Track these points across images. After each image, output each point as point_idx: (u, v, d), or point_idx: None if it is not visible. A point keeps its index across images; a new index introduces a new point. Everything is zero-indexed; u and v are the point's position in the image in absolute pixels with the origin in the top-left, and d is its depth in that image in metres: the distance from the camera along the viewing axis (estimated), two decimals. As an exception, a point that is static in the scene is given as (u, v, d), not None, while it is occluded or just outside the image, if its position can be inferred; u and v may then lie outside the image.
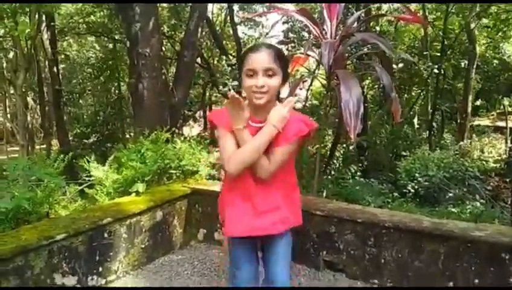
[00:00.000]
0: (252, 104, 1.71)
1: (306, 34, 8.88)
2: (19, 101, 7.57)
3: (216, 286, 2.78)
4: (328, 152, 9.04)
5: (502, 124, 14.21)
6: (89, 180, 3.79)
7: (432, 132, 10.62)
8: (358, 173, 6.12)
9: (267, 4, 12.07)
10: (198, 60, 11.17)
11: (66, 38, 13.46)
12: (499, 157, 9.97)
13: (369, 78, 9.72)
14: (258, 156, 1.69)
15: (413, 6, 10.89)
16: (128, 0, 5.57)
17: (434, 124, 11.12)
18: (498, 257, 2.31)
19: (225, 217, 1.87)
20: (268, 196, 1.77)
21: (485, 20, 11.15)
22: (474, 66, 11.63)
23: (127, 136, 12.00)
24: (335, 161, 8.51)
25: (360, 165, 7.34)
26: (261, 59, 1.63)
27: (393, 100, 3.22)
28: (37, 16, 7.51)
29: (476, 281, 2.37)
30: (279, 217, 1.80)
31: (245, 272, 1.88)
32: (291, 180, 1.90)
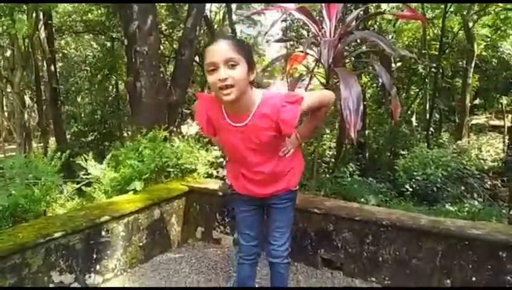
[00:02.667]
0: (224, 103, 1.66)
1: (305, 32, 8.87)
2: (16, 100, 7.55)
3: (215, 286, 2.77)
4: (327, 150, 9.04)
5: (499, 122, 14.25)
6: (86, 179, 3.78)
7: (430, 131, 10.63)
8: (357, 172, 6.12)
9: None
10: (197, 58, 11.15)
11: (64, 36, 13.42)
12: (497, 156, 10.00)
13: (367, 76, 9.73)
14: None
15: (412, 4, 10.89)
16: (127, 1, 5.56)
17: (432, 122, 11.14)
18: (495, 254, 2.31)
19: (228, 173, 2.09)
20: (264, 163, 1.85)
21: (483, 19, 11.16)
22: (473, 65, 11.66)
23: (125, 134, 11.99)
24: (333, 160, 8.52)
25: (358, 163, 7.35)
26: (219, 50, 1.52)
27: (392, 98, 3.22)
28: (34, 14, 7.49)
29: (474, 278, 2.38)
30: (275, 183, 1.92)
31: (246, 237, 2.08)
32: (294, 152, 1.97)
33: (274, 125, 1.68)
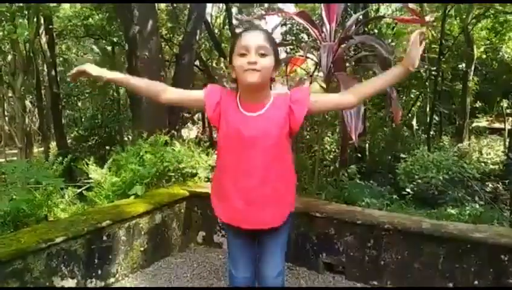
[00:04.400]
0: (244, 87, 1.65)
1: (304, 36, 8.90)
2: (17, 104, 7.57)
3: (215, 287, 2.77)
4: (327, 154, 9.04)
5: (500, 125, 14.26)
6: (87, 183, 3.78)
7: (431, 134, 10.63)
8: (358, 175, 6.12)
9: (266, 5, 12.11)
10: (197, 62, 11.19)
11: (65, 41, 13.47)
12: (498, 159, 9.99)
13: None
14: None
15: (411, 6, 10.92)
16: (127, 1, 5.58)
17: (432, 125, 11.14)
18: (497, 258, 2.31)
19: (214, 196, 1.87)
20: (266, 185, 1.71)
21: (483, 22, 11.19)
22: (473, 68, 11.68)
23: (126, 138, 12.00)
24: (334, 163, 8.52)
25: (359, 167, 7.34)
26: (254, 37, 1.59)
27: (393, 102, 3.23)
28: (35, 18, 7.52)
29: (476, 282, 2.37)
30: (277, 208, 1.77)
31: (241, 269, 1.89)
32: (290, 165, 1.83)
33: (287, 116, 1.68)
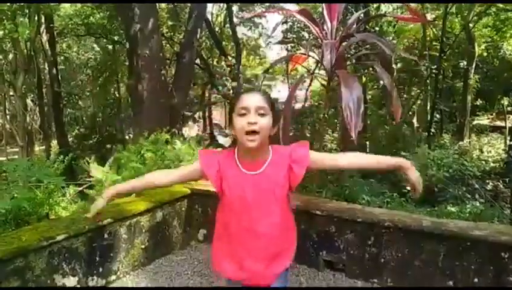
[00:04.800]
0: (243, 148, 1.68)
1: (305, 34, 8.89)
2: (18, 103, 7.58)
3: (216, 287, 2.78)
4: (329, 152, 9.03)
5: (501, 123, 14.23)
6: (88, 181, 3.79)
7: (431, 132, 10.62)
8: (358, 173, 6.11)
9: (267, 4, 12.09)
10: (198, 60, 11.19)
11: (65, 40, 13.47)
12: (498, 157, 9.97)
13: (368, 78, 9.74)
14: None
15: (412, 5, 10.92)
16: (128, 0, 5.58)
17: (433, 123, 11.12)
18: (497, 255, 2.32)
19: (217, 255, 1.87)
20: (272, 244, 1.75)
21: (484, 20, 11.17)
22: (473, 66, 11.66)
23: (127, 137, 12.01)
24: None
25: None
26: (253, 98, 1.64)
27: (393, 100, 3.23)
28: (36, 17, 7.52)
29: (476, 280, 2.38)
30: (280, 261, 1.79)
31: None
32: (291, 216, 1.87)
33: (287, 174, 1.72)
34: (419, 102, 12.72)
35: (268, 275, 1.77)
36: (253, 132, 1.60)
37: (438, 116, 12.04)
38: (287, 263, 1.84)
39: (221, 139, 13.20)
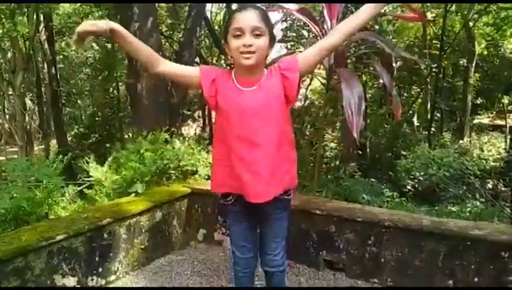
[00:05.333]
0: (240, 66, 1.68)
1: (305, 33, 8.87)
2: (17, 102, 7.57)
3: (216, 287, 2.77)
4: (328, 151, 9.04)
5: (501, 122, 14.23)
6: (88, 181, 3.79)
7: (432, 131, 10.62)
8: (358, 172, 6.12)
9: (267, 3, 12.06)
10: (197, 59, 11.17)
11: (64, 38, 13.45)
12: (499, 156, 9.97)
13: (368, 77, 9.73)
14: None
15: (413, 4, 10.89)
16: (128, 0, 5.57)
17: (433, 122, 11.12)
18: (498, 255, 2.31)
19: (215, 176, 1.90)
20: (269, 156, 1.73)
21: (484, 19, 11.15)
22: (474, 65, 11.65)
23: (126, 136, 12.00)
24: (335, 160, 8.51)
25: (360, 164, 7.34)
26: (248, 18, 1.60)
27: (393, 98, 3.22)
28: (35, 16, 7.50)
29: (476, 279, 2.37)
30: (278, 178, 1.79)
31: (243, 251, 1.97)
32: (290, 137, 1.87)
33: (281, 84, 1.72)
34: (419, 101, 12.72)
35: (267, 191, 1.75)
36: (249, 52, 1.61)
37: (438, 115, 12.05)
38: (288, 182, 1.85)
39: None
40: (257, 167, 1.73)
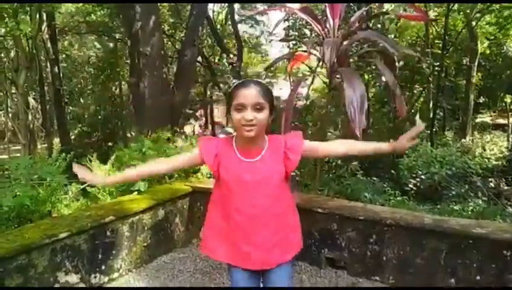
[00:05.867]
0: (241, 137, 1.71)
1: (307, 32, 8.85)
2: (20, 101, 7.59)
3: (216, 286, 2.78)
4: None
5: (503, 121, 14.19)
6: (91, 179, 3.79)
7: (434, 129, 10.60)
8: (360, 171, 6.11)
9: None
10: (199, 58, 11.17)
11: (67, 37, 13.48)
12: (501, 155, 9.95)
13: (370, 75, 9.72)
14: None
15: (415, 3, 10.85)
16: (130, 0, 5.58)
17: (436, 121, 11.09)
18: (499, 253, 2.31)
19: (211, 240, 1.88)
20: (270, 227, 1.76)
21: (487, 18, 11.12)
22: (476, 63, 11.61)
23: (128, 135, 12.02)
24: (337, 159, 8.49)
25: (362, 163, 7.32)
26: (249, 94, 1.65)
27: (397, 97, 3.22)
28: (38, 15, 7.52)
29: (478, 277, 2.38)
30: (283, 247, 1.81)
31: None
32: (291, 205, 1.89)
33: (282, 161, 1.77)
34: (421, 100, 12.69)
35: (269, 260, 1.78)
36: (251, 125, 1.64)
37: (440, 113, 12.01)
38: (293, 249, 1.85)
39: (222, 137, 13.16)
40: (257, 238, 1.76)
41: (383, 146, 1.88)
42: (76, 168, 1.79)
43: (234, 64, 10.73)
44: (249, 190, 1.74)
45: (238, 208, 1.76)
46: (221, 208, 1.84)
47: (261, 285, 1.91)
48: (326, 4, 3.45)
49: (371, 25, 8.14)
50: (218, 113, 20.88)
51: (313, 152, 1.86)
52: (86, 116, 14.08)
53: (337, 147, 1.90)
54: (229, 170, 1.76)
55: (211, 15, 12.28)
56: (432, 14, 10.93)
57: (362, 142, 1.99)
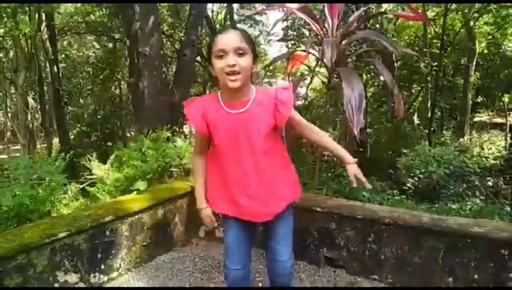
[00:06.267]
0: (226, 88, 1.70)
1: (306, 32, 8.87)
2: (19, 101, 7.59)
3: (216, 287, 2.79)
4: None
5: (501, 120, 14.23)
6: (90, 179, 3.81)
7: (432, 129, 10.62)
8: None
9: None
10: (198, 58, 11.17)
11: (66, 37, 13.46)
12: (499, 154, 9.97)
13: (368, 75, 9.74)
14: None
15: (412, 4, 10.87)
16: (129, 0, 5.59)
17: (434, 120, 11.12)
18: (497, 252, 2.33)
19: (211, 194, 1.92)
20: (263, 179, 1.77)
21: (485, 17, 11.14)
22: (474, 63, 11.64)
23: (128, 134, 12.02)
24: (335, 158, 8.51)
25: (360, 162, 7.31)
26: (230, 39, 1.63)
27: (395, 96, 3.24)
28: (37, 15, 7.51)
29: (476, 276, 2.39)
30: (278, 197, 1.82)
31: (234, 261, 1.92)
32: (284, 155, 1.92)
33: (271, 112, 1.75)
34: (419, 99, 12.71)
35: (267, 212, 1.80)
36: (234, 72, 1.62)
37: (438, 113, 12.04)
38: (289, 198, 1.88)
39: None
40: (252, 191, 1.77)
41: (342, 156, 1.93)
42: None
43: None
44: (238, 143, 1.73)
45: (229, 162, 1.77)
46: (216, 164, 1.85)
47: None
48: (325, 4, 3.46)
49: (369, 25, 8.16)
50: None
51: (294, 122, 1.87)
52: (85, 116, 14.07)
53: (312, 132, 1.92)
54: (217, 125, 1.76)
55: (210, 15, 12.28)
56: (430, 13, 10.96)
57: (332, 142, 2.01)
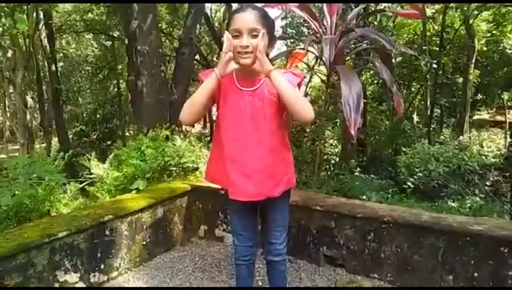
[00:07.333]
0: (240, 66, 1.70)
1: (305, 30, 8.87)
2: (18, 100, 7.58)
3: (216, 286, 2.79)
4: (328, 148, 9.05)
5: (501, 118, 14.24)
6: (89, 178, 3.80)
7: (431, 127, 10.63)
8: (358, 169, 6.13)
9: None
10: (197, 56, 11.16)
11: (64, 36, 13.43)
12: (499, 152, 9.99)
13: (368, 73, 9.74)
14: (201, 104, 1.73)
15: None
16: (129, 0, 5.57)
17: (433, 118, 11.13)
18: (497, 250, 2.32)
19: (213, 169, 1.95)
20: (261, 159, 1.79)
21: (484, 14, 11.14)
22: (473, 61, 11.64)
23: (127, 133, 12.02)
24: (335, 157, 8.53)
25: (360, 160, 7.35)
26: (246, 19, 1.64)
27: (394, 94, 3.23)
28: (35, 14, 7.50)
29: (476, 274, 2.39)
30: (274, 180, 1.84)
31: (242, 239, 2.01)
32: (285, 141, 1.92)
33: (278, 94, 1.74)
34: (419, 97, 12.72)
35: (259, 192, 1.81)
36: (246, 52, 1.64)
37: (438, 111, 12.06)
38: (283, 183, 1.89)
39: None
40: (246, 169, 1.78)
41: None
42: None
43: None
44: (243, 121, 1.75)
45: (231, 138, 1.78)
46: (219, 140, 1.86)
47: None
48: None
49: (368, 22, 8.15)
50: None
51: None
52: (84, 115, 14.06)
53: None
54: (227, 97, 1.77)
55: (209, 13, 12.26)
56: (429, 11, 10.95)
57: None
